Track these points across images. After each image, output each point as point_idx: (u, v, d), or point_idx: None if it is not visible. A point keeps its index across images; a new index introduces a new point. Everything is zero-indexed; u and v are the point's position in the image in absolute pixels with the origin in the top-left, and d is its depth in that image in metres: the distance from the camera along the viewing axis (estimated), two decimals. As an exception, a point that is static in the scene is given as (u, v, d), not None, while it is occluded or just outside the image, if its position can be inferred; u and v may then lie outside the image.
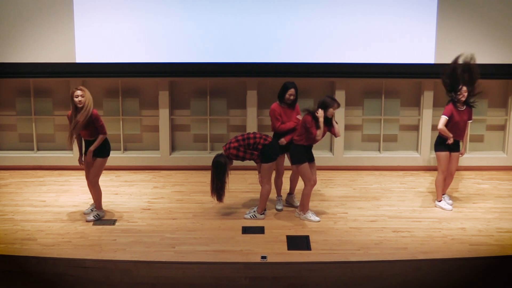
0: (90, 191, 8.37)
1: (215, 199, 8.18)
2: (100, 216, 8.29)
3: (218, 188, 8.12)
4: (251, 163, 8.42)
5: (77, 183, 9.69)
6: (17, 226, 8.11)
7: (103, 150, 8.14)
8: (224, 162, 8.14)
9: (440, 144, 8.50)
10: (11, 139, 10.57)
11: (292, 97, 8.42)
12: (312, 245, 7.62)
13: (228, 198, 9.04)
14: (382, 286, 6.99)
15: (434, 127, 10.32)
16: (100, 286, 6.97)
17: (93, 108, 7.98)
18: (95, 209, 8.37)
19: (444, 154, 8.47)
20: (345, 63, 9.95)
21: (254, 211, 8.38)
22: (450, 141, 8.35)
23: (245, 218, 8.36)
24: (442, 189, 8.64)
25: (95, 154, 8.09)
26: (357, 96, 10.40)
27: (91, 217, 8.25)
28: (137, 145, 10.61)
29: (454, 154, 8.55)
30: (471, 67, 8.31)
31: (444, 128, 8.34)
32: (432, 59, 9.93)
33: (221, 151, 8.29)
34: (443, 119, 8.35)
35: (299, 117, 8.43)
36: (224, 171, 8.11)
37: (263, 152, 8.18)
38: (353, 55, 9.93)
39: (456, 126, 8.40)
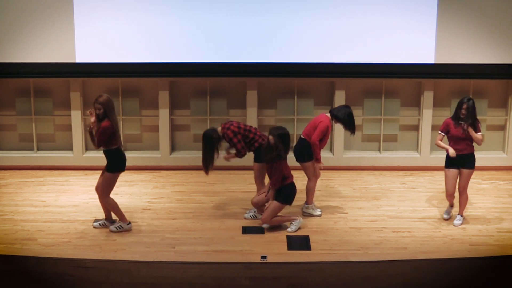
0: (102, 205, 8.02)
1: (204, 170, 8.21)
2: (123, 228, 7.93)
3: (206, 161, 8.12)
4: (250, 162, 8.41)
5: (77, 183, 9.69)
6: (17, 226, 8.10)
7: (111, 164, 7.73)
8: (217, 138, 8.11)
9: (446, 160, 8.12)
10: (11, 139, 10.57)
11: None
12: (312, 245, 7.62)
13: (228, 198, 9.06)
14: (382, 286, 6.99)
15: (434, 127, 10.33)
16: (100, 286, 6.97)
17: (107, 120, 7.57)
18: (118, 221, 8.00)
19: (447, 170, 8.09)
20: (345, 63, 9.95)
21: (255, 211, 8.38)
22: (450, 152, 7.97)
23: (245, 218, 8.36)
24: (458, 207, 8.27)
25: (106, 167, 7.78)
26: (357, 96, 10.40)
27: (113, 228, 7.93)
28: (137, 145, 10.61)
29: (463, 170, 8.08)
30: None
31: (439, 142, 8.07)
32: (432, 59, 9.93)
33: (216, 126, 8.28)
34: (439, 135, 8.10)
35: None
36: (213, 146, 8.07)
37: (256, 151, 8.16)
38: (353, 55, 9.93)
39: (455, 141, 8.04)
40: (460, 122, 7.99)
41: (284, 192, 7.91)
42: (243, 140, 8.17)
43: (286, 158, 7.89)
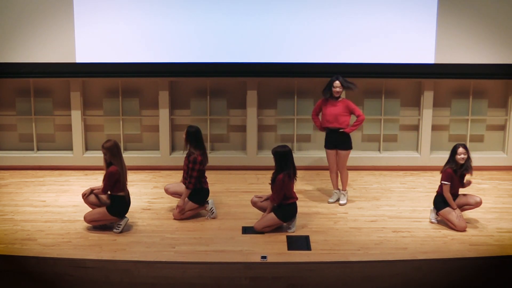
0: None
1: None
2: (121, 225, 7.92)
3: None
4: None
5: (77, 183, 9.69)
6: (17, 226, 8.10)
7: (113, 208, 7.86)
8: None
9: (442, 202, 8.09)
10: (11, 139, 10.57)
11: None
12: (312, 245, 7.62)
13: (228, 198, 9.06)
14: (382, 286, 6.99)
15: (434, 127, 10.33)
16: (100, 286, 6.97)
17: (114, 165, 7.75)
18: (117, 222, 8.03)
19: (448, 210, 8.04)
20: (345, 63, 9.95)
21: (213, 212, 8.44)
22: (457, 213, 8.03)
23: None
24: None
25: (107, 207, 7.90)
26: (357, 96, 10.39)
27: (114, 230, 7.94)
28: (137, 145, 10.61)
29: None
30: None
31: (449, 196, 8.00)
32: (432, 59, 9.93)
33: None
34: (446, 186, 8.00)
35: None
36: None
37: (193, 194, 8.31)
38: (353, 55, 9.93)
39: (456, 186, 8.11)
40: (461, 169, 8.02)
41: (284, 209, 7.92)
42: (198, 173, 8.23)
43: (292, 178, 7.87)
